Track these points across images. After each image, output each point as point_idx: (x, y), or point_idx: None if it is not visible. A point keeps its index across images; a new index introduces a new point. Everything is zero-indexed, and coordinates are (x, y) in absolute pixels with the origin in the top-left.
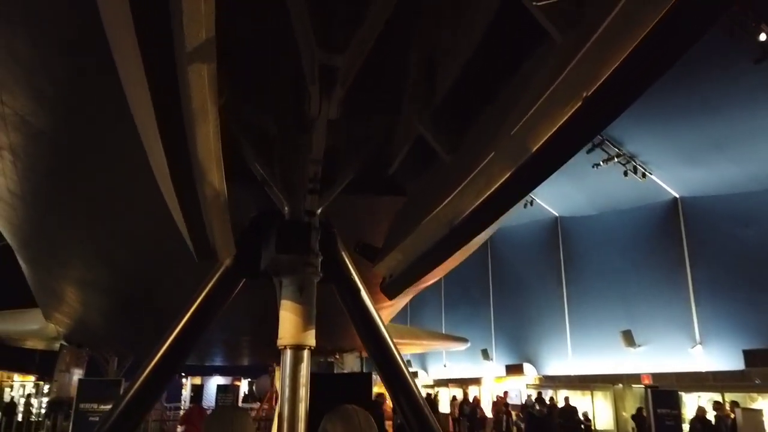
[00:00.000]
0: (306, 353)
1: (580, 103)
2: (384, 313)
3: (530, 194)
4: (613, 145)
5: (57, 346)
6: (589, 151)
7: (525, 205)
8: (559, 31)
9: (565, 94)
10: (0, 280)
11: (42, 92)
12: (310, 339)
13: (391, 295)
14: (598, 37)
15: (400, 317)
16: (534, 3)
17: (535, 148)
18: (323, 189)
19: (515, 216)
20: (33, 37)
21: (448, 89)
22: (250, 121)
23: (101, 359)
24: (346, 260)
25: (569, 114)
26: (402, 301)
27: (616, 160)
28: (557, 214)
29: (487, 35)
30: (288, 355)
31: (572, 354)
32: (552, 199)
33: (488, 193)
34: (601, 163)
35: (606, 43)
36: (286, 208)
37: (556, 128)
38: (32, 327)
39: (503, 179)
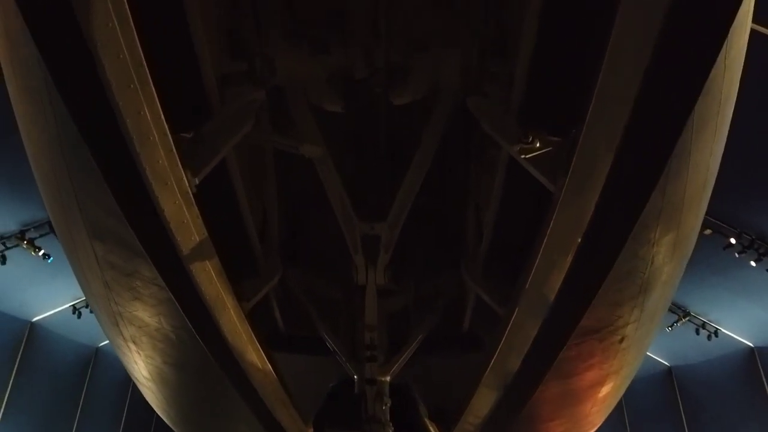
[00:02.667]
0: None
1: (579, 244)
2: None
3: (713, 323)
4: None
5: None
6: None
7: (709, 337)
8: (551, 182)
9: (564, 238)
10: None
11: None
12: None
13: None
14: (588, 183)
15: None
16: (523, 157)
17: (552, 297)
18: (391, 354)
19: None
20: None
21: (490, 242)
22: (316, 292)
23: None
24: (429, 428)
25: (572, 259)
26: None
27: None
28: (752, 345)
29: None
30: None
31: None
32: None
33: (526, 348)
34: None
35: (592, 189)
36: (355, 377)
37: (564, 275)
38: None
39: (536, 334)
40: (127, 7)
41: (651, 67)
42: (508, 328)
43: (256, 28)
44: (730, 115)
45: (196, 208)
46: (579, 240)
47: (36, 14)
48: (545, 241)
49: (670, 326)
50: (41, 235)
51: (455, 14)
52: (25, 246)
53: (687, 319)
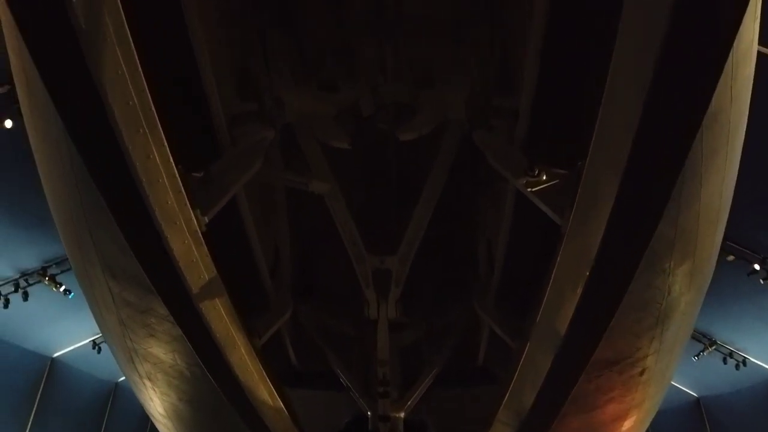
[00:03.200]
0: None
1: (587, 277)
2: None
3: (741, 352)
4: None
5: None
6: None
7: (737, 366)
8: (558, 214)
9: (572, 271)
10: None
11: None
12: None
13: None
14: (593, 216)
15: None
16: (529, 190)
17: (563, 331)
18: (405, 389)
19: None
20: None
21: (501, 274)
22: (328, 327)
23: None
24: None
25: (581, 292)
26: None
27: None
28: None
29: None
30: None
31: None
32: None
33: (540, 383)
34: None
35: (597, 222)
36: (369, 414)
37: (574, 308)
38: None
39: (549, 368)
40: (135, 54)
41: (649, 101)
42: (520, 363)
43: (266, 68)
44: (741, 143)
45: (205, 246)
46: (587, 273)
47: (49, 63)
48: (554, 274)
49: (697, 355)
50: (62, 271)
51: (460, 51)
52: (46, 282)
53: (713, 347)
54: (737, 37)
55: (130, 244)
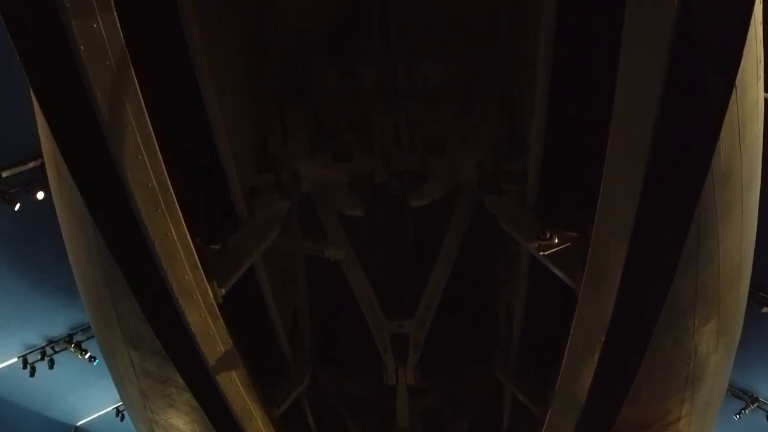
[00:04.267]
0: None
1: (603, 341)
2: None
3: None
4: None
5: None
6: None
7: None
8: (571, 278)
9: (589, 336)
10: None
11: None
12: None
13: None
14: (605, 280)
15: None
16: (542, 254)
17: (584, 397)
18: None
19: None
20: None
21: (520, 337)
22: (348, 393)
23: None
24: None
25: (599, 357)
26: None
27: None
28: None
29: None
30: None
31: None
32: None
33: None
34: None
35: (610, 286)
36: None
37: (594, 373)
38: None
39: None
40: (155, 140)
41: (650, 166)
42: (543, 431)
43: (284, 140)
44: (757, 197)
45: (221, 319)
46: (603, 337)
47: (73, 151)
48: (570, 339)
49: (738, 414)
50: (88, 338)
51: (470, 118)
52: (72, 349)
53: (756, 405)
54: (742, 98)
55: (148, 318)
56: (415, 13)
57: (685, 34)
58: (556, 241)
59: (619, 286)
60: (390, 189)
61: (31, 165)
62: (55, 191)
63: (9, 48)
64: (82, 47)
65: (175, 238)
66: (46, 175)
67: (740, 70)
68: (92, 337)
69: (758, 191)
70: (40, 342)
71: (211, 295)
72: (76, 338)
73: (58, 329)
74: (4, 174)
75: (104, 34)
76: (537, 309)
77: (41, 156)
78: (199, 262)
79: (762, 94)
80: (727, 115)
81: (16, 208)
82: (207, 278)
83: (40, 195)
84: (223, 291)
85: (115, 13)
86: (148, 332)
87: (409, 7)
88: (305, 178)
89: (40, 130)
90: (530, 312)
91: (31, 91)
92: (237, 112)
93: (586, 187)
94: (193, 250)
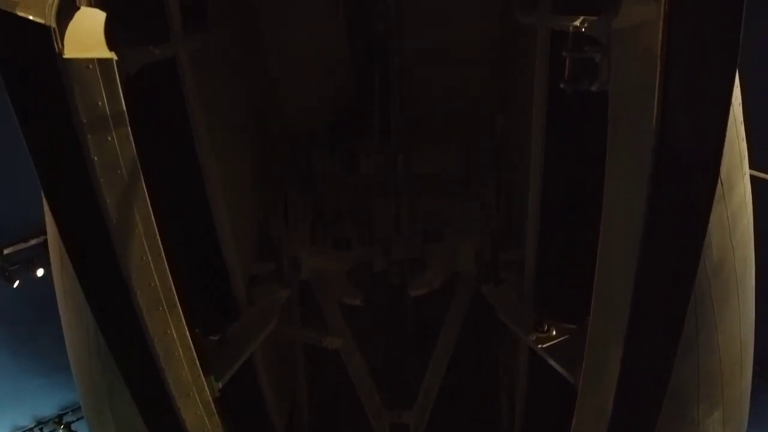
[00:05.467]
0: None
1: None
2: None
3: None
4: None
5: None
6: None
7: None
8: (570, 371)
9: (590, 430)
10: None
11: None
12: None
13: None
14: (604, 373)
15: None
16: (540, 347)
17: None
18: None
19: None
20: None
21: (523, 427)
22: None
23: None
24: None
25: None
26: None
27: None
28: None
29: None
30: None
31: None
32: None
33: None
34: None
35: (609, 379)
36: None
37: None
38: None
39: None
40: (159, 242)
41: (642, 262)
42: None
43: (286, 229)
44: (752, 283)
45: (217, 416)
46: (605, 430)
47: (80, 251)
48: None
49: None
50: (78, 419)
51: (468, 206)
52: (61, 430)
53: None
54: (729, 193)
55: (143, 414)
56: (413, 109)
57: (665, 148)
58: (554, 333)
59: (619, 380)
60: (389, 277)
61: (33, 242)
62: (57, 279)
63: (8, 128)
64: (96, 158)
65: (175, 335)
66: (48, 251)
67: (725, 168)
68: (82, 417)
69: (753, 278)
70: (30, 423)
71: (208, 392)
72: (66, 419)
73: (50, 409)
74: (6, 251)
75: (117, 147)
76: (538, 400)
77: (43, 233)
78: (197, 358)
79: (749, 189)
80: (716, 210)
81: (15, 285)
82: (204, 373)
83: (40, 272)
84: (220, 385)
85: (129, 128)
86: (142, 427)
87: (409, 102)
88: (305, 266)
89: (47, 220)
90: (531, 403)
91: (43, 195)
92: (241, 203)
93: (583, 277)
94: (192, 347)
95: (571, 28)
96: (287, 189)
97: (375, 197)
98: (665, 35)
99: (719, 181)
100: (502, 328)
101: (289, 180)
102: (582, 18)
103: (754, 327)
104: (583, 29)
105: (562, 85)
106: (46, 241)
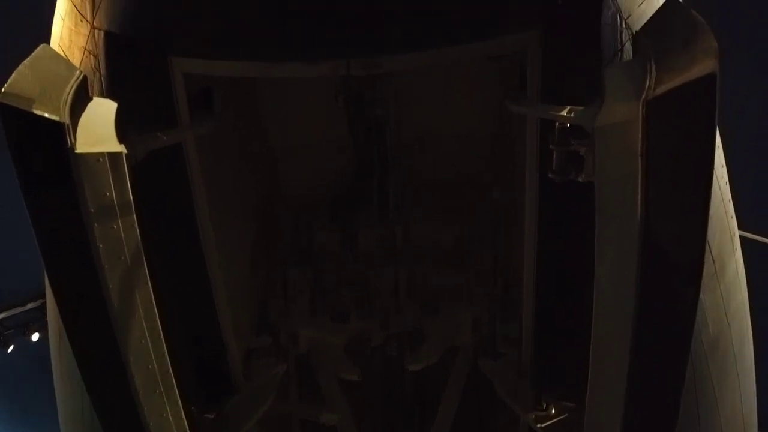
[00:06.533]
0: None
1: None
2: None
3: None
4: None
5: None
6: None
7: None
8: None
9: None
10: None
11: None
12: None
13: None
14: None
15: None
16: (539, 426)
17: None
18: None
19: None
20: None
21: None
22: None
23: None
24: None
25: None
26: None
27: None
28: None
29: None
30: None
31: None
32: None
33: None
34: None
35: None
36: None
37: None
38: None
39: None
40: (159, 325)
41: (635, 344)
42: None
43: (284, 302)
44: (752, 357)
45: None
46: None
47: (79, 333)
48: None
49: None
50: None
51: (465, 279)
52: None
53: None
54: (721, 272)
55: None
56: (411, 183)
57: (651, 240)
58: (553, 412)
59: None
60: (386, 350)
61: (29, 306)
62: (55, 353)
63: (5, 193)
64: (101, 245)
65: (171, 418)
66: (45, 315)
67: (716, 247)
68: None
69: (752, 351)
70: None
71: None
72: None
73: None
74: (1, 316)
75: (123, 235)
76: None
77: (41, 296)
78: None
79: (741, 264)
80: (709, 288)
81: (9, 350)
82: None
83: (35, 336)
84: None
85: (135, 216)
86: None
87: (406, 177)
88: (303, 340)
89: (47, 294)
90: None
91: (46, 277)
92: (241, 280)
93: (581, 353)
94: (188, 429)
95: (557, 119)
96: (287, 264)
97: (373, 269)
98: (644, 134)
99: (711, 259)
100: (501, 404)
101: (289, 255)
102: (569, 108)
103: (756, 401)
104: (570, 119)
105: (550, 175)
106: (43, 304)
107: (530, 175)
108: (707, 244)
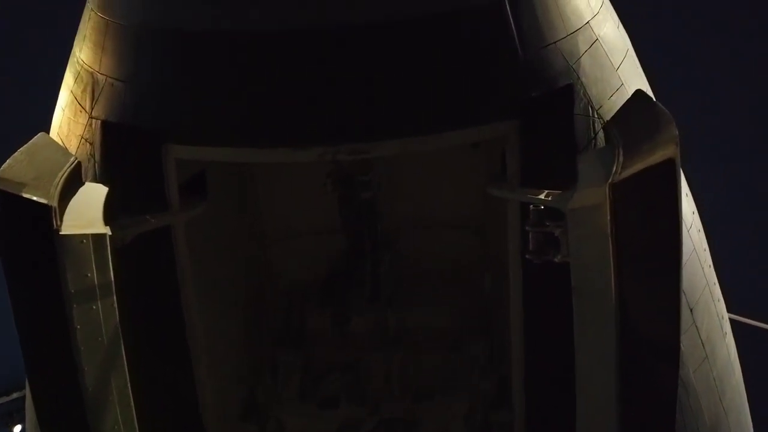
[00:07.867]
0: None
1: None
2: None
3: None
4: None
5: None
6: None
7: None
8: None
9: None
10: None
11: None
12: None
13: None
14: None
15: None
16: None
17: None
18: None
19: None
20: None
21: None
22: None
23: None
24: None
25: None
26: None
27: None
28: None
29: None
30: None
31: None
32: None
33: None
34: None
35: None
36: None
37: None
38: None
39: None
40: (134, 410)
41: None
42: None
43: (274, 387)
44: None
45: None
46: None
47: (53, 418)
48: None
49: None
50: None
51: (459, 366)
52: None
53: None
54: (712, 356)
55: None
56: (403, 268)
57: (627, 322)
58: None
59: None
60: None
61: (15, 395)
62: None
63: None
64: (78, 326)
65: None
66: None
67: (704, 331)
68: None
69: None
70: None
71: None
72: None
73: None
74: None
75: (101, 317)
76: None
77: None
78: None
79: (733, 347)
80: (702, 373)
81: None
82: None
83: (17, 429)
84: None
85: (115, 296)
86: None
87: (398, 262)
88: (290, 427)
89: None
90: None
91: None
92: (227, 364)
93: None
94: None
95: (535, 202)
96: (277, 348)
97: (365, 354)
98: (612, 215)
99: (701, 343)
100: None
101: (279, 338)
102: (546, 192)
103: None
104: (548, 202)
105: (527, 256)
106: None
107: (513, 257)
108: (695, 327)
